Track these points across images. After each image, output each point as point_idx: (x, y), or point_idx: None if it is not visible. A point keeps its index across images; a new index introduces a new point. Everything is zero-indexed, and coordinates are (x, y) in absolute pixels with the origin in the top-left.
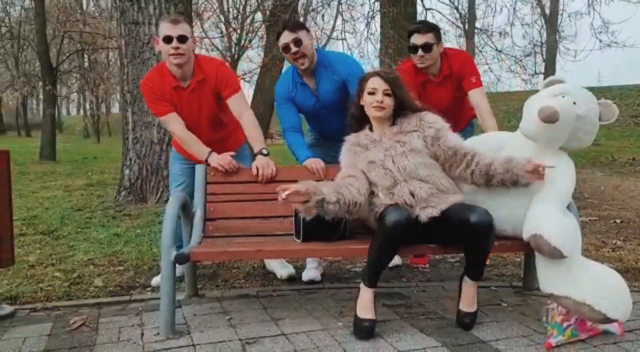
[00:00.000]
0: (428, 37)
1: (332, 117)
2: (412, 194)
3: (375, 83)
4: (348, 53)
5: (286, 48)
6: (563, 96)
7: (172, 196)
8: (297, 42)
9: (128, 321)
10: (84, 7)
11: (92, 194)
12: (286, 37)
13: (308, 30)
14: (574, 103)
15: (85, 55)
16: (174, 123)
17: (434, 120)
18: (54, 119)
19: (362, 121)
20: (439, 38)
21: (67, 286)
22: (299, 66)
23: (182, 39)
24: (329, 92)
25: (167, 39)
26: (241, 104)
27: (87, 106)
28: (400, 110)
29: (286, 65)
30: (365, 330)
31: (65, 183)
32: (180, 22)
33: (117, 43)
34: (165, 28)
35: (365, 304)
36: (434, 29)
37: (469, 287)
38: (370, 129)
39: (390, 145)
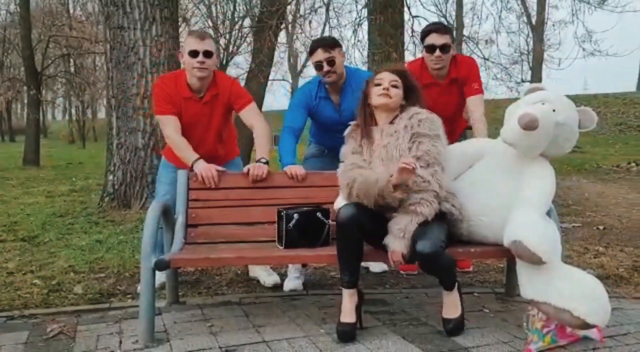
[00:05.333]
0: (446, 38)
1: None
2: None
3: (382, 75)
4: None
5: (319, 66)
6: (543, 103)
7: (153, 202)
8: (331, 61)
9: (106, 329)
10: (71, 11)
11: (75, 200)
12: (320, 55)
13: (341, 47)
14: (554, 110)
15: (71, 60)
16: (171, 125)
17: (423, 121)
18: (37, 124)
19: (366, 121)
20: (453, 40)
21: (45, 294)
22: (326, 79)
23: (208, 54)
24: (351, 108)
25: (193, 53)
26: (254, 115)
27: (73, 111)
28: (408, 104)
29: (274, 71)
30: (341, 334)
31: (48, 189)
32: (206, 38)
33: (103, 47)
34: (193, 43)
35: (344, 308)
36: (450, 31)
37: (447, 295)
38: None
39: (378, 144)
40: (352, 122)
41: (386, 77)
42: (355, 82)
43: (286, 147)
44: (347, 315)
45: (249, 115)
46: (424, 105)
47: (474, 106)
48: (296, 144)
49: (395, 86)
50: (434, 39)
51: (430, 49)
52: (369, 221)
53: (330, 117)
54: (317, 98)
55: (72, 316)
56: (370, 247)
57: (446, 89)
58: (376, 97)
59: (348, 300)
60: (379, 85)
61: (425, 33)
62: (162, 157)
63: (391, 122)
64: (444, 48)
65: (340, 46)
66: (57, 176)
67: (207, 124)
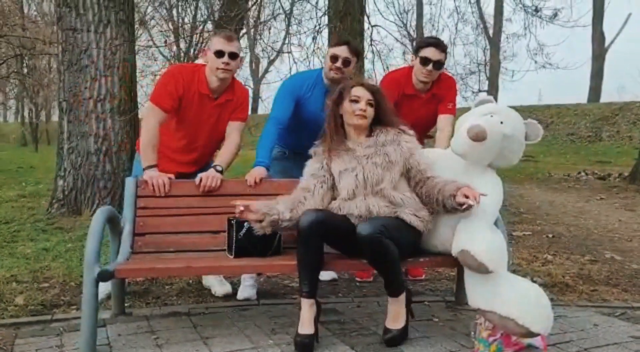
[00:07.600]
0: (442, 56)
1: (317, 134)
2: (369, 209)
3: (359, 92)
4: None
5: (335, 59)
6: (492, 116)
7: (98, 210)
8: (347, 62)
9: (47, 342)
10: (25, 10)
11: (23, 205)
12: (343, 51)
13: (360, 60)
14: (502, 123)
15: (24, 61)
16: (157, 118)
17: (410, 138)
18: None
19: (337, 130)
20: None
21: None
22: (331, 74)
23: (233, 56)
24: None
25: (219, 53)
26: (237, 130)
27: (26, 113)
28: (378, 122)
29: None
30: (299, 345)
31: None
32: (234, 39)
33: (57, 49)
34: (219, 43)
35: (303, 319)
36: (447, 50)
37: (391, 304)
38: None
39: (364, 154)
40: (316, 142)
41: (363, 96)
42: None
43: (265, 141)
44: (306, 326)
45: (236, 128)
46: (395, 120)
47: (444, 125)
48: (276, 138)
49: (370, 104)
50: (431, 53)
51: (425, 61)
52: (334, 226)
53: (314, 113)
54: (311, 90)
55: (10, 329)
56: (333, 255)
57: (425, 103)
58: (352, 116)
59: (307, 310)
60: (355, 101)
61: (423, 44)
62: (137, 153)
63: (369, 136)
64: (437, 64)
65: (361, 58)
66: (6, 180)
67: (214, 126)
